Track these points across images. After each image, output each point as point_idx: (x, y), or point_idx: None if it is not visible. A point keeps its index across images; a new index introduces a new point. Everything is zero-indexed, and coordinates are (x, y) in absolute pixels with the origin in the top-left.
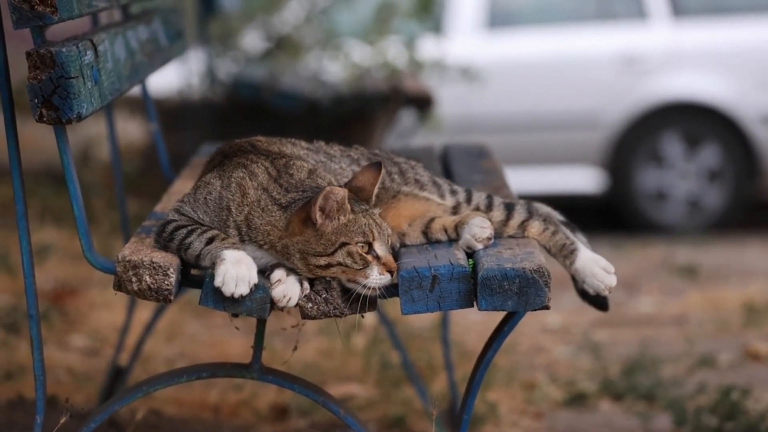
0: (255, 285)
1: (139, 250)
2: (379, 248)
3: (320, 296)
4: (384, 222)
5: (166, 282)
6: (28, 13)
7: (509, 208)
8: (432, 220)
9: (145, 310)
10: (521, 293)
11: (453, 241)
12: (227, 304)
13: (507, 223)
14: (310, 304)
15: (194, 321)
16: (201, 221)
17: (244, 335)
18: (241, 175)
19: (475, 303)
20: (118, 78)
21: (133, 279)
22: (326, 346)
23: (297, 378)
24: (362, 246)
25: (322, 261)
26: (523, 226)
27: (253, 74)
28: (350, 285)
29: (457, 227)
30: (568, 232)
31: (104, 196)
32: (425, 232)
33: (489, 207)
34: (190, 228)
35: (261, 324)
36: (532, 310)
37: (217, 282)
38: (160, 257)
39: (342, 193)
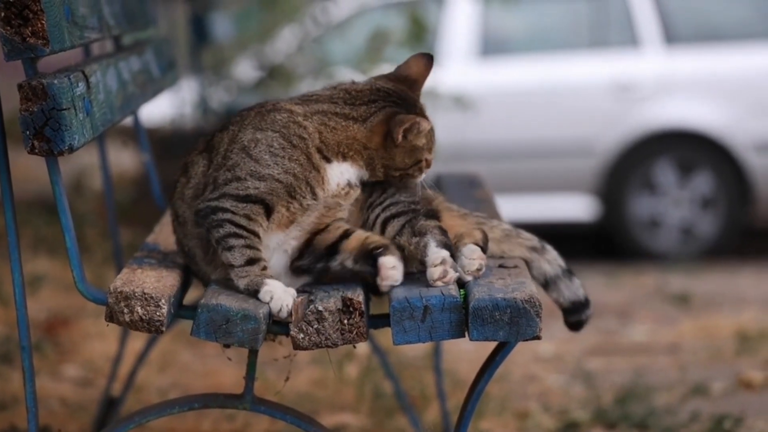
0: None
1: (131, 281)
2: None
3: (312, 327)
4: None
5: (158, 313)
6: (19, 45)
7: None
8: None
9: (137, 340)
10: (512, 323)
11: None
12: (219, 335)
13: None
14: (301, 335)
15: (187, 351)
16: (273, 176)
17: (238, 365)
18: (283, 116)
19: (466, 333)
20: (110, 109)
21: (125, 310)
22: (319, 375)
23: (289, 408)
24: (428, 161)
25: (398, 173)
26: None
27: (245, 103)
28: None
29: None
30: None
31: (98, 225)
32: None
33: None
34: (237, 232)
35: (253, 354)
36: (524, 341)
37: (266, 299)
38: (152, 288)
39: (428, 126)
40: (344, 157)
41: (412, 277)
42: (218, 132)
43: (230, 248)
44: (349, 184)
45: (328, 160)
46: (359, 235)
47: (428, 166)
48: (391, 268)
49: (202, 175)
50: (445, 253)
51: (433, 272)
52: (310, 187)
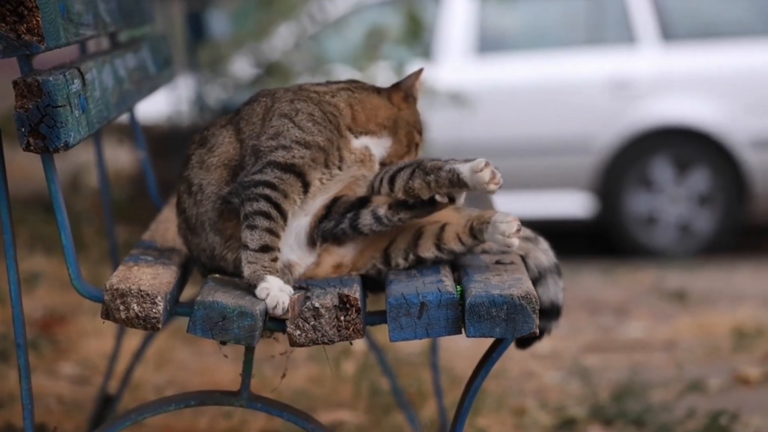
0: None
1: (127, 278)
2: None
3: (308, 323)
4: None
5: (154, 310)
6: (15, 42)
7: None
8: (443, 227)
9: (134, 338)
10: (509, 320)
11: (465, 247)
12: (215, 332)
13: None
14: (298, 332)
15: (184, 348)
16: (318, 144)
17: (235, 362)
18: (314, 95)
19: (463, 330)
20: (106, 106)
21: (121, 307)
22: (316, 372)
23: (286, 405)
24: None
25: (419, 138)
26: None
27: (242, 100)
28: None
29: (473, 230)
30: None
31: (94, 222)
32: (437, 244)
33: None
34: (268, 211)
35: (249, 352)
36: (520, 337)
37: (262, 296)
38: (148, 285)
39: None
40: (371, 134)
41: (408, 274)
42: (244, 105)
43: (253, 227)
44: (368, 148)
45: (356, 137)
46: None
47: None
48: (486, 165)
49: (230, 145)
50: (482, 160)
51: (483, 176)
52: (339, 151)
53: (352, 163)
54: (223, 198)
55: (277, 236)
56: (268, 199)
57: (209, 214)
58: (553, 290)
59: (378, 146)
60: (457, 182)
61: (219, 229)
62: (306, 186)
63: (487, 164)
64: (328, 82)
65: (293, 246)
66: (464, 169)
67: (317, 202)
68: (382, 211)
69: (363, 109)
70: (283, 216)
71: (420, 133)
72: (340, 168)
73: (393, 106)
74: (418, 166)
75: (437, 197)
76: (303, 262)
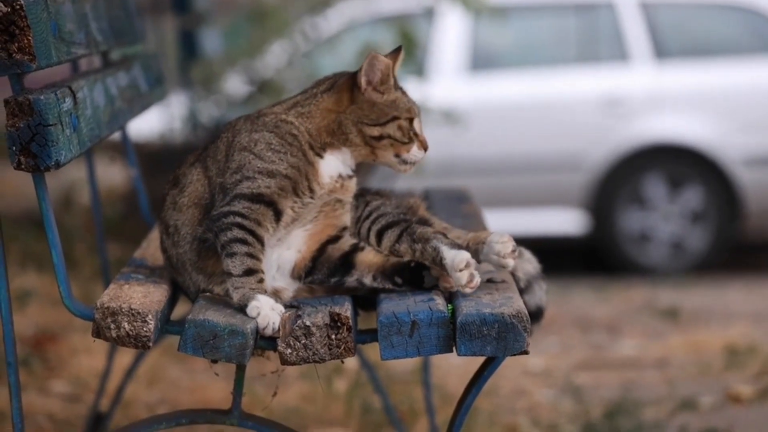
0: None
1: (118, 297)
2: (418, 126)
3: (299, 342)
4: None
5: (144, 329)
6: (6, 61)
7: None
8: None
9: (126, 355)
10: (500, 338)
11: None
12: (206, 351)
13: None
14: (289, 350)
15: (175, 366)
16: (281, 172)
17: (226, 379)
18: (270, 118)
19: (454, 348)
20: (98, 124)
21: (112, 326)
22: (308, 390)
23: (277, 424)
24: (408, 121)
25: (376, 131)
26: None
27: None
28: (393, 163)
29: (468, 251)
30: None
31: (86, 240)
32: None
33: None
34: (244, 237)
35: (240, 370)
36: (512, 355)
37: (253, 314)
38: (139, 304)
39: (385, 61)
40: (329, 147)
41: (400, 292)
42: (210, 144)
43: (232, 255)
44: (341, 176)
45: (320, 155)
46: (375, 252)
47: (420, 140)
48: (466, 266)
49: (199, 183)
50: (466, 254)
51: (461, 277)
52: (308, 182)
53: (322, 194)
54: (199, 238)
55: (258, 259)
56: (240, 226)
57: (189, 255)
58: (539, 295)
59: (344, 160)
60: (440, 264)
61: (200, 268)
62: (278, 214)
63: (467, 265)
64: (287, 99)
65: (276, 276)
66: (447, 257)
67: (297, 233)
68: (367, 281)
69: (312, 122)
70: (260, 241)
71: (383, 123)
72: (311, 197)
73: (332, 110)
74: (407, 228)
75: (425, 278)
76: (290, 288)
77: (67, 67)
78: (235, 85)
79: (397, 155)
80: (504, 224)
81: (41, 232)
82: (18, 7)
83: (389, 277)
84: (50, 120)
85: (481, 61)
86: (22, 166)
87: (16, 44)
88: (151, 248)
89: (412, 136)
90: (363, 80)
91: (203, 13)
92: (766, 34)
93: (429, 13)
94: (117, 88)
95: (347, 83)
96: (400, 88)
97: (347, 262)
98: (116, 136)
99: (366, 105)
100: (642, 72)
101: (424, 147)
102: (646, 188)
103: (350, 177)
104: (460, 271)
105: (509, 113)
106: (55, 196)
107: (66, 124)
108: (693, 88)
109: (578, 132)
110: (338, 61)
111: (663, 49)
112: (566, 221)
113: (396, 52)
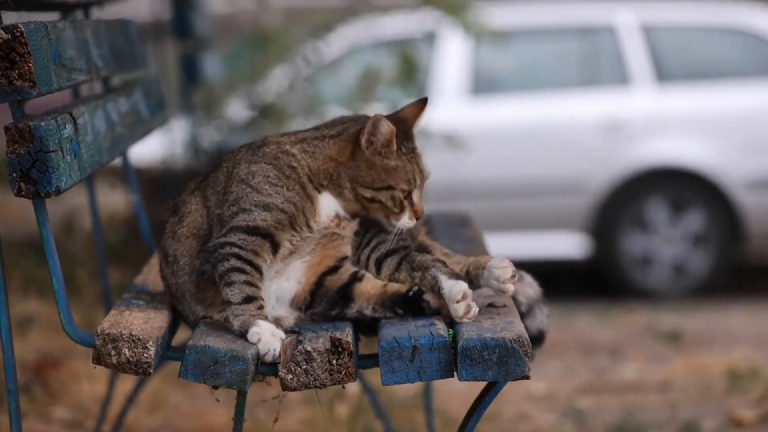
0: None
1: (118, 323)
2: (416, 195)
3: (300, 367)
4: (423, 163)
5: (145, 355)
6: (6, 88)
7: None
8: None
9: (127, 381)
10: (501, 363)
11: None
12: (207, 377)
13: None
14: (290, 376)
15: (177, 391)
16: (278, 206)
17: (228, 405)
18: (272, 149)
19: (455, 373)
20: (98, 150)
21: (113, 352)
22: (309, 415)
23: None
24: (404, 192)
25: (368, 194)
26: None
27: (237, 143)
28: (383, 222)
29: (469, 275)
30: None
31: (88, 265)
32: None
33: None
34: (241, 266)
35: (242, 396)
36: (513, 380)
37: (254, 340)
38: (140, 330)
39: (388, 127)
40: (325, 190)
41: (401, 318)
42: (211, 172)
43: (231, 284)
44: (338, 216)
45: (319, 191)
46: (374, 281)
47: (413, 209)
48: (463, 297)
49: (197, 213)
50: (464, 285)
51: (458, 308)
52: (306, 218)
53: (318, 224)
54: (198, 270)
55: (257, 287)
56: (237, 257)
57: (187, 286)
58: (540, 319)
59: (341, 205)
60: (438, 293)
61: (199, 299)
62: (275, 246)
63: (464, 296)
64: (298, 131)
65: (276, 306)
66: (445, 287)
67: (296, 264)
68: (368, 312)
69: (314, 162)
70: (258, 270)
71: (377, 189)
72: (309, 231)
73: (333, 158)
74: (406, 256)
75: (425, 310)
76: (291, 316)
77: (68, 92)
78: (236, 109)
79: (387, 218)
80: (506, 248)
81: (43, 258)
82: (18, 34)
83: (389, 308)
84: (51, 146)
85: (483, 84)
86: (23, 193)
87: (17, 71)
88: (152, 274)
89: (405, 206)
90: (363, 140)
91: (204, 38)
92: (766, 58)
93: (430, 37)
94: (118, 114)
95: (354, 135)
96: (413, 151)
97: (346, 294)
98: (117, 161)
99: (364, 165)
100: (643, 95)
101: (417, 217)
102: (647, 211)
103: (348, 220)
104: (457, 302)
105: (511, 137)
106: (57, 221)
107: (66, 151)
108: (694, 112)
109: (580, 156)
110: (340, 85)
111: (664, 73)
112: (568, 245)
113: (420, 103)
